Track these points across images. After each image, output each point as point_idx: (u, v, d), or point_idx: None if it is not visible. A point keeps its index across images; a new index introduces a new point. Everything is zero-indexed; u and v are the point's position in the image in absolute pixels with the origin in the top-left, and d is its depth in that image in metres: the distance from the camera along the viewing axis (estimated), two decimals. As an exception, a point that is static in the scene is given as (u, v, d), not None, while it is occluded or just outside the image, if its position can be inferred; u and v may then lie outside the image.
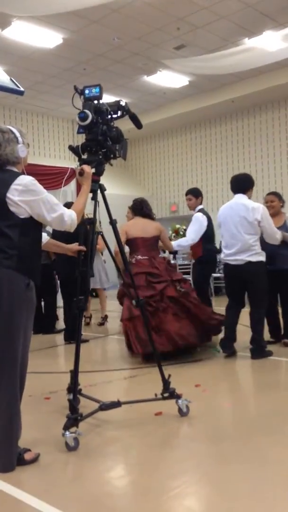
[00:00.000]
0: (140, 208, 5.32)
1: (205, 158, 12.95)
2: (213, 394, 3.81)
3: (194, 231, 5.44)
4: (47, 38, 8.40)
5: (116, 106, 3.11)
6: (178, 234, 11.26)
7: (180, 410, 3.20)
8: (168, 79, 10.42)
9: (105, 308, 7.32)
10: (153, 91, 11.19)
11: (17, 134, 2.58)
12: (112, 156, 3.09)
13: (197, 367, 4.63)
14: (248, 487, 2.29)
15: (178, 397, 3.21)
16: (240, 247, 4.71)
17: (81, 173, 2.90)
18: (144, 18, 7.86)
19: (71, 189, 11.67)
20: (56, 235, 4.84)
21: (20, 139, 2.58)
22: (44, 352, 5.64)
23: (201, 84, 10.86)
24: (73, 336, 5.91)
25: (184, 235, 7.10)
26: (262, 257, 4.75)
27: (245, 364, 4.72)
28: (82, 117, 2.93)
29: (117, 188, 13.02)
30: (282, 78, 10.14)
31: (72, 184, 11.47)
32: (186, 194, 5.94)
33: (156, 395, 3.22)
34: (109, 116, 3.06)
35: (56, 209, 2.58)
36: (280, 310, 5.32)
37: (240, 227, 4.70)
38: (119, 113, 3.13)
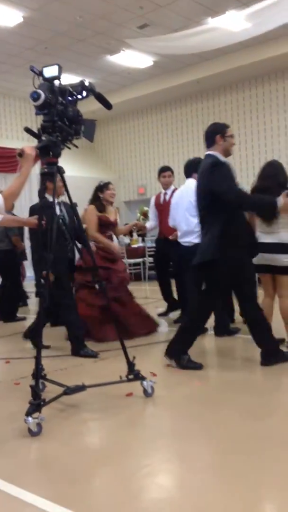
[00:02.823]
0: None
1: (171, 140, 12.92)
2: (184, 374, 3.87)
3: None
4: (7, 17, 8.13)
5: (80, 86, 3.04)
6: (147, 216, 11.26)
7: (145, 391, 3.24)
8: (132, 59, 10.30)
9: None
10: (117, 71, 11.04)
11: None
12: (70, 137, 3.02)
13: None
14: (218, 461, 2.36)
15: (143, 378, 3.25)
16: (187, 230, 4.92)
17: (21, 154, 2.83)
18: (107, -4, 7.71)
19: (36, 172, 11.44)
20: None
21: None
22: (14, 338, 5.59)
23: (165, 65, 10.78)
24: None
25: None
26: None
27: (213, 342, 4.82)
28: (35, 97, 2.86)
29: (83, 171, 12.86)
30: (245, 59, 10.16)
31: (37, 166, 11.24)
32: (165, 170, 5.96)
33: (121, 377, 3.24)
34: (74, 97, 3.00)
35: None
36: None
37: (186, 210, 4.88)
38: (84, 93, 3.06)
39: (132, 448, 2.56)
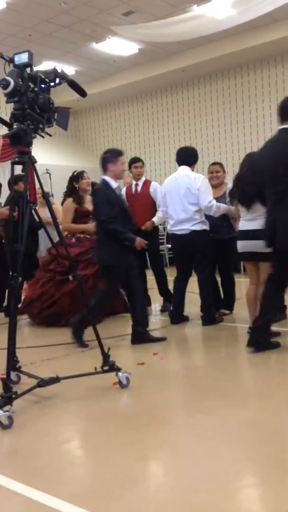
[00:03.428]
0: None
1: (157, 129, 12.87)
2: (170, 362, 3.91)
3: (161, 201, 5.47)
4: (-11, 2, 7.99)
5: (53, 73, 2.99)
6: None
7: (120, 382, 3.22)
8: (118, 46, 10.19)
9: None
10: (102, 59, 10.93)
11: None
12: (41, 126, 2.96)
13: (154, 335, 4.72)
14: (204, 449, 2.39)
15: (118, 369, 3.22)
16: (184, 217, 4.89)
17: None
18: (91, -18, 7.60)
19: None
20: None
21: None
22: (1, 329, 5.57)
23: (151, 52, 10.69)
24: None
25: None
26: (205, 226, 4.92)
27: (198, 330, 4.86)
28: (4, 84, 2.80)
29: (70, 160, 12.77)
30: (230, 47, 10.12)
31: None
32: (136, 161, 5.95)
33: (96, 368, 3.22)
34: (46, 84, 2.95)
35: None
36: (219, 280, 5.50)
37: (184, 197, 4.87)
38: (57, 80, 3.01)
39: (119, 437, 2.59)
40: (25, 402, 3.01)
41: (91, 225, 5.38)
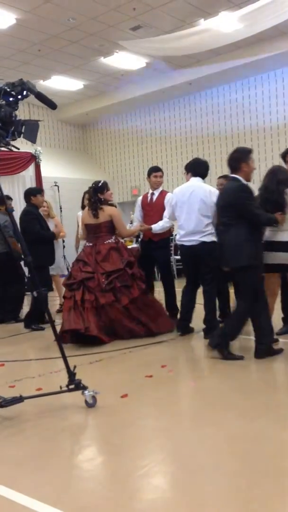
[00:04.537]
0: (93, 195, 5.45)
1: (164, 141, 12.93)
2: (178, 374, 3.89)
3: (170, 212, 5.46)
4: (0, 18, 8.12)
5: (20, 86, 3.01)
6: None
7: (86, 401, 3.14)
8: (125, 60, 10.30)
9: (62, 294, 7.26)
10: (110, 73, 11.05)
11: None
12: (2, 139, 2.96)
13: (162, 348, 4.71)
14: (211, 461, 2.37)
15: (84, 388, 3.14)
16: (195, 228, 4.88)
17: None
18: (99, -2, 7.71)
19: (29, 174, 11.45)
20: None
21: None
22: (11, 340, 5.58)
23: (158, 66, 10.79)
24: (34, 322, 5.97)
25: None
26: (215, 238, 4.84)
27: (206, 342, 4.81)
28: None
29: (77, 173, 12.86)
30: (237, 60, 10.18)
31: (31, 168, 11.26)
32: (157, 171, 5.94)
33: (61, 387, 3.13)
34: (13, 98, 2.96)
35: None
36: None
37: (198, 209, 4.84)
38: (25, 93, 3.03)
39: (128, 450, 2.57)
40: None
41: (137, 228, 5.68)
